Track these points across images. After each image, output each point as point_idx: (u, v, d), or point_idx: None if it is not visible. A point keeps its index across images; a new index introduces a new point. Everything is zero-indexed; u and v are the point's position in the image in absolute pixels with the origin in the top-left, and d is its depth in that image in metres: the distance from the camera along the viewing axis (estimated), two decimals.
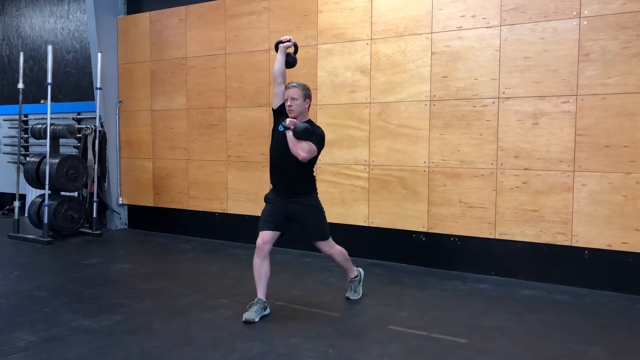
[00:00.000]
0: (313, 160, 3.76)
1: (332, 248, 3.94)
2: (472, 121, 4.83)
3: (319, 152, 3.73)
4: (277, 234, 3.77)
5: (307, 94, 3.75)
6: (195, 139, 6.52)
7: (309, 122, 3.77)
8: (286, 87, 3.75)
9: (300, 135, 3.55)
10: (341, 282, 4.39)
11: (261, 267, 3.72)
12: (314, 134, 3.65)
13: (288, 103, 3.70)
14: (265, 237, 3.72)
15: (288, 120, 3.63)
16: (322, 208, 3.91)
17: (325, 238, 3.89)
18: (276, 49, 3.86)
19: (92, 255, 5.71)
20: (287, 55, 3.85)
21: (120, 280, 4.80)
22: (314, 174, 3.95)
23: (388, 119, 5.23)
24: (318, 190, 3.94)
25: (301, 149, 3.59)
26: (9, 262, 5.42)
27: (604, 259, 4.38)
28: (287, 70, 3.89)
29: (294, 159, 3.62)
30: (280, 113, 3.82)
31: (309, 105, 3.81)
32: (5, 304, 4.07)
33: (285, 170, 3.76)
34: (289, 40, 3.82)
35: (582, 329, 3.57)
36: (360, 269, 4.23)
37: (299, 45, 3.89)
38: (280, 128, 3.62)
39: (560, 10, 4.44)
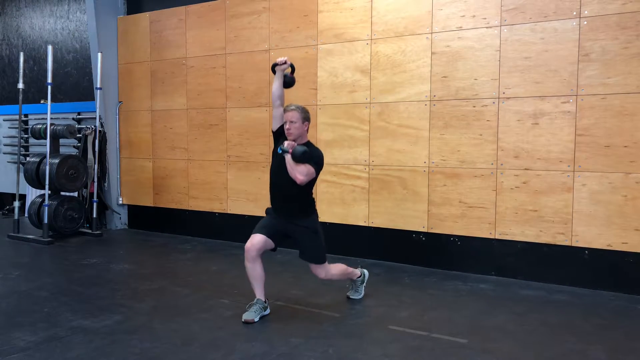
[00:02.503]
0: (311, 183, 3.75)
1: (328, 273, 3.87)
2: (472, 121, 4.83)
3: (317, 175, 3.72)
4: (269, 242, 3.73)
5: (305, 117, 3.73)
6: (195, 139, 6.52)
7: (308, 144, 3.76)
8: (285, 110, 3.73)
9: (298, 158, 3.54)
10: (341, 282, 4.37)
11: (253, 270, 3.70)
12: (312, 157, 3.63)
13: (287, 126, 3.67)
14: (255, 240, 3.69)
15: (286, 143, 3.61)
16: (320, 231, 3.83)
17: (319, 262, 3.82)
18: (273, 71, 3.85)
19: (92, 255, 5.71)
20: (285, 76, 3.84)
21: (120, 280, 4.80)
22: (313, 196, 3.91)
23: (388, 119, 5.23)
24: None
25: (299, 173, 3.57)
26: (9, 262, 5.42)
27: (604, 259, 4.38)
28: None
29: (293, 181, 3.60)
30: (279, 135, 3.81)
31: (308, 128, 3.78)
32: (5, 304, 4.08)
33: (283, 192, 3.74)
34: (284, 62, 3.80)
35: (582, 329, 3.57)
36: (365, 270, 4.24)
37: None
38: (279, 151, 3.62)
39: (560, 10, 4.44)
